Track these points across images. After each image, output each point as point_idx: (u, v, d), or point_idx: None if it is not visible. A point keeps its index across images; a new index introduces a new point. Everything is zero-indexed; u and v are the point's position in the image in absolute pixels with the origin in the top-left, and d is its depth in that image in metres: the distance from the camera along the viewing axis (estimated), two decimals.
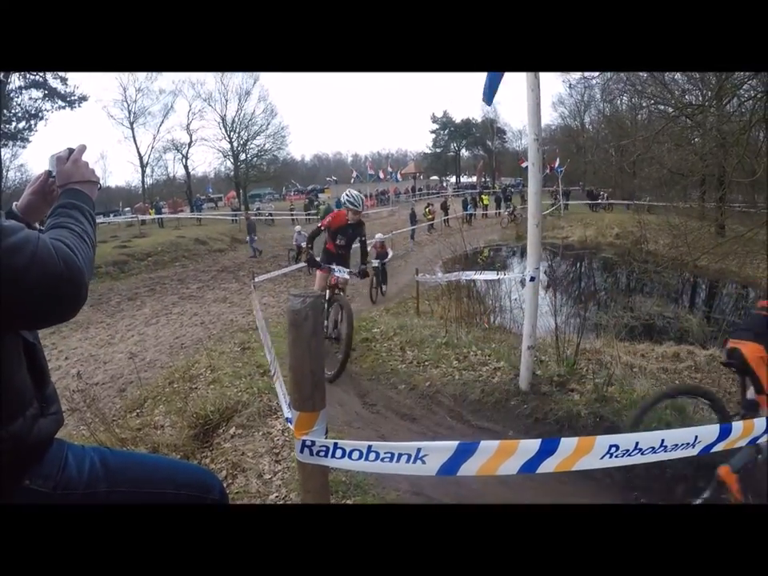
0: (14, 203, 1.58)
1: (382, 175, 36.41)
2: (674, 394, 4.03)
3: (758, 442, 1.90)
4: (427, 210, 28.86)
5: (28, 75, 33.37)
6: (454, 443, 1.60)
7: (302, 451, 1.76)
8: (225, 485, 3.66)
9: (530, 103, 4.50)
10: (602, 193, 35.42)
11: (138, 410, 5.77)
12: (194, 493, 1.57)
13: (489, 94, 4.94)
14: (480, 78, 5.28)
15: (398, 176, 38.30)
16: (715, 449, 1.83)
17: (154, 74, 41.34)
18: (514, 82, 5.14)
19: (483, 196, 36.41)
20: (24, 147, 35.12)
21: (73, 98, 35.46)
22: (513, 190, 42.15)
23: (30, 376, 1.33)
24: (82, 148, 1.54)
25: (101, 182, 1.59)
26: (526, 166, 4.88)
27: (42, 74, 33.72)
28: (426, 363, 5.93)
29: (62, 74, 34.42)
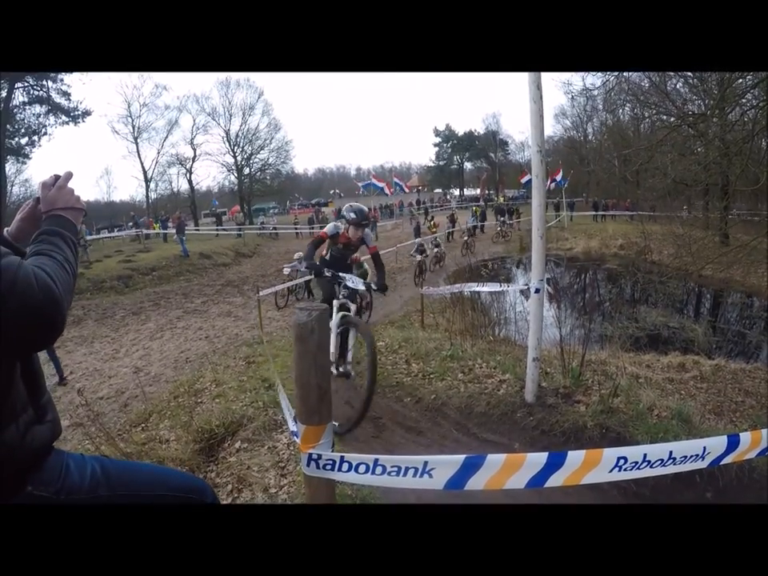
0: (6, 229, 1.59)
1: (387, 191, 36.25)
2: None
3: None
4: (432, 222, 28.82)
5: (31, 90, 33.62)
6: (461, 457, 1.60)
7: (308, 465, 1.76)
8: (230, 499, 3.68)
9: (532, 115, 4.53)
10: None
11: (143, 425, 5.75)
12: (190, 495, 1.60)
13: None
14: (481, 82, 5.33)
15: (405, 188, 38.13)
16: (725, 461, 1.82)
17: (159, 89, 41.73)
18: (515, 93, 5.18)
19: (476, 208, 36.11)
20: (24, 164, 35.31)
21: (76, 112, 35.65)
22: (513, 203, 41.94)
23: (23, 383, 1.34)
24: (68, 175, 1.55)
25: (84, 205, 1.59)
26: (527, 181, 4.89)
27: (45, 88, 33.96)
28: (432, 376, 5.91)
29: (65, 88, 34.67)
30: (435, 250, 19.90)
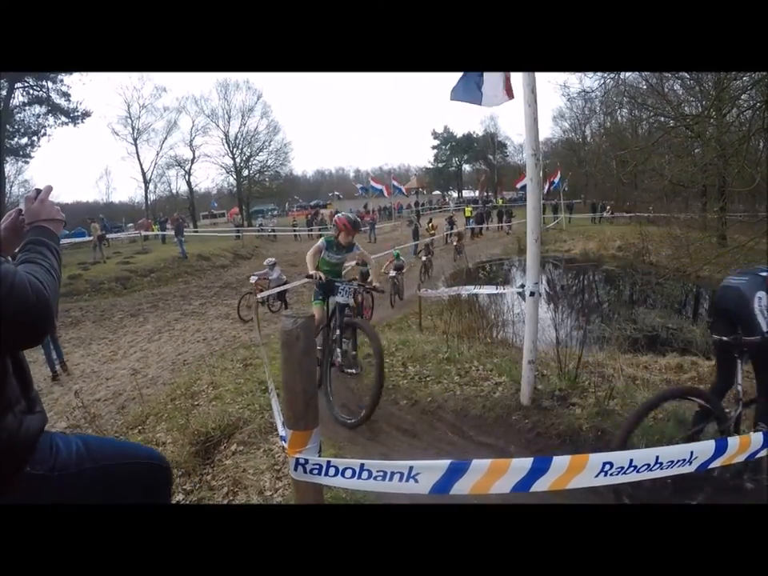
0: None
1: (386, 193, 36.27)
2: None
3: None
4: (430, 225, 28.86)
5: (31, 91, 33.64)
6: (446, 462, 1.60)
7: (295, 469, 1.77)
8: (226, 501, 3.69)
9: (527, 118, 4.51)
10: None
11: (139, 427, 5.76)
12: (152, 461, 1.81)
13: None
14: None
15: (404, 190, 38.17)
16: (712, 465, 1.82)
17: (159, 90, 41.79)
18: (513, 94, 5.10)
19: (467, 208, 36.39)
20: (27, 163, 35.34)
21: (76, 113, 35.65)
22: (511, 205, 42.13)
23: (16, 379, 1.51)
24: (49, 189, 1.71)
25: (63, 216, 1.74)
26: (522, 186, 4.89)
27: (44, 89, 33.98)
28: (428, 379, 5.90)
29: (64, 89, 34.66)
30: (392, 273, 14.61)
